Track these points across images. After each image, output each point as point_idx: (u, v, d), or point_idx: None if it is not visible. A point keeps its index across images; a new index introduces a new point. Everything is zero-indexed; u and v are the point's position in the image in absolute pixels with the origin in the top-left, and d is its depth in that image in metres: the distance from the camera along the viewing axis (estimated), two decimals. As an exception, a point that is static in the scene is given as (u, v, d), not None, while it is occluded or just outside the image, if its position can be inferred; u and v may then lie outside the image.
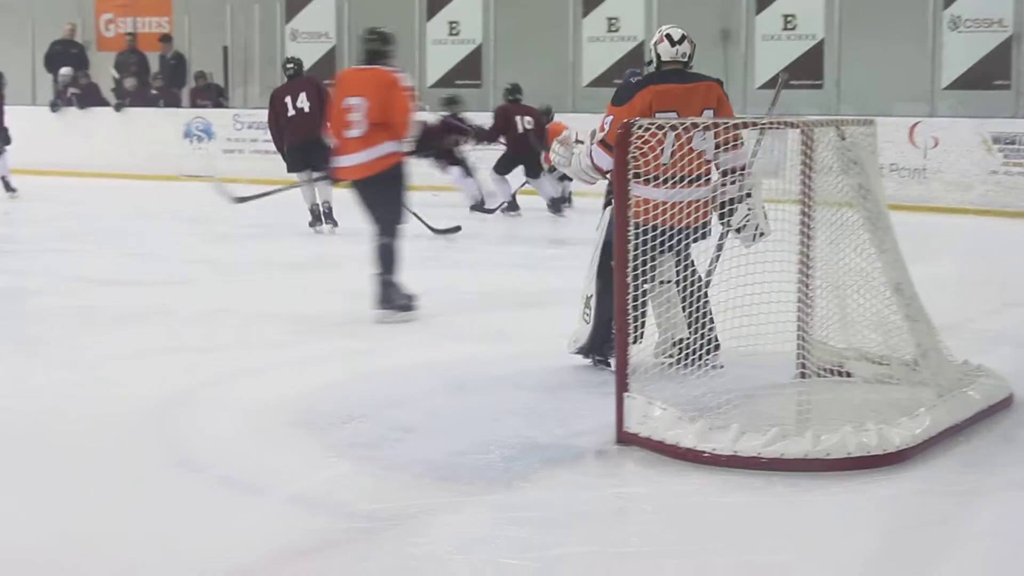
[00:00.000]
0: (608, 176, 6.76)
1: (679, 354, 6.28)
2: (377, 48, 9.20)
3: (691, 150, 6.52)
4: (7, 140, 12.26)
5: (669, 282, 6.64)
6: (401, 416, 6.31)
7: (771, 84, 16.62)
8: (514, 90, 16.22)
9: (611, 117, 6.67)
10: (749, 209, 6.66)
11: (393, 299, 8.51)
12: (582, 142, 7.17)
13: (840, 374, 6.67)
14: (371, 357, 7.64)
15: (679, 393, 5.99)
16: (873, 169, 6.67)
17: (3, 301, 9.59)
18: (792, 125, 7.03)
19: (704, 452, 5.49)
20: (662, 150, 6.32)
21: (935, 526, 4.93)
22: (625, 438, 5.77)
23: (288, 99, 13.90)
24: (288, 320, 8.60)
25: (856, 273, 6.61)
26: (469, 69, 18.83)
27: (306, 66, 19.31)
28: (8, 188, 12.10)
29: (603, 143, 6.69)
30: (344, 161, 8.73)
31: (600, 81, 16.84)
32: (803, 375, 6.68)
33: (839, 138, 6.62)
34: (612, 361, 6.12)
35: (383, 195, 8.58)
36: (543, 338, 7.67)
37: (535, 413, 6.27)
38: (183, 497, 5.25)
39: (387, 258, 8.51)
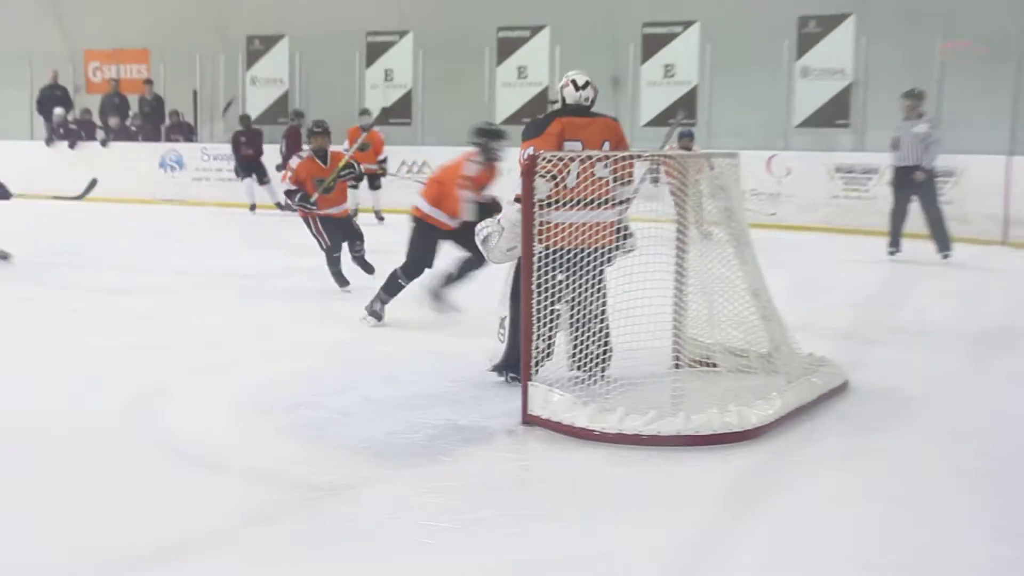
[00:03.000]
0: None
1: (580, 364, 6.19)
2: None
3: (594, 177, 6.26)
4: (6, 195, 11.50)
5: (575, 302, 6.29)
6: (341, 403, 6.29)
7: (657, 122, 16.76)
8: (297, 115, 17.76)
9: (531, 148, 6.27)
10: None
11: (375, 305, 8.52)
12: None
13: (707, 365, 6.70)
14: (316, 353, 7.59)
15: (574, 380, 6.04)
16: (736, 194, 6.74)
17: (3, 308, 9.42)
18: (670, 158, 7.10)
19: (595, 431, 5.54)
20: (566, 176, 6.14)
21: (783, 489, 5.01)
22: (529, 420, 5.80)
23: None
24: (246, 323, 8.52)
25: (721, 280, 6.66)
26: (402, 109, 18.76)
27: (263, 107, 19.29)
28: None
29: None
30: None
31: (512, 119, 16.81)
32: (677, 366, 6.79)
33: (709, 168, 6.68)
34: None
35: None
36: (462, 335, 7.68)
37: (454, 400, 6.27)
38: (158, 473, 5.22)
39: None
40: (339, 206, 10.14)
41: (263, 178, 17.75)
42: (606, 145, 6.49)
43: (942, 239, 12.25)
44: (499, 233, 6.33)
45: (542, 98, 17.22)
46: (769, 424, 5.64)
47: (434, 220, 8.29)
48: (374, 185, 16.14)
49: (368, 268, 10.12)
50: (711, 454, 5.34)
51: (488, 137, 8.18)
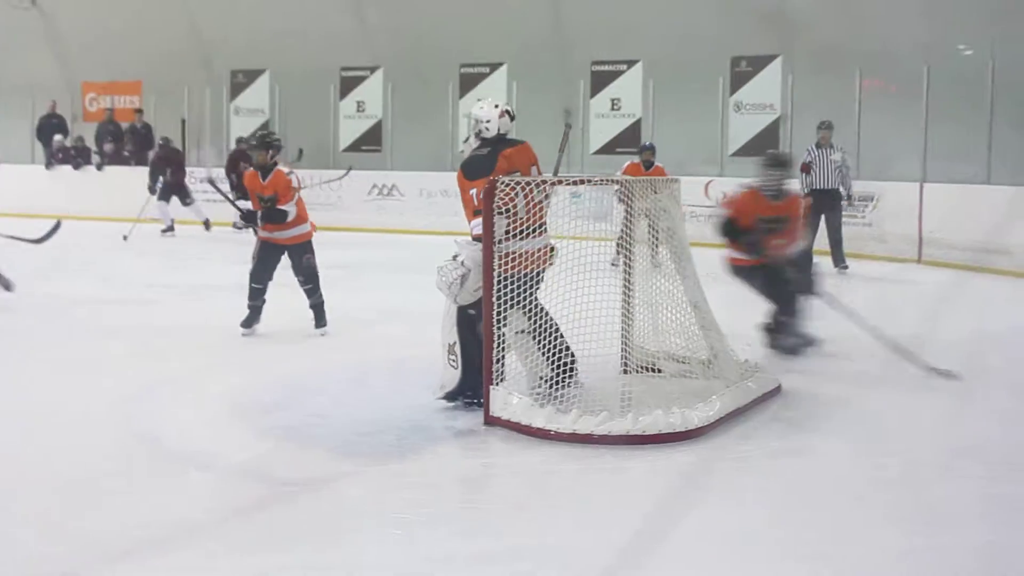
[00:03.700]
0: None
1: (546, 387, 6.00)
2: None
3: (538, 204, 6.02)
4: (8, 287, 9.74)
5: (523, 331, 6.07)
6: (316, 405, 6.28)
7: (605, 151, 16.82)
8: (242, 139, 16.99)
9: (475, 188, 6.00)
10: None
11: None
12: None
13: (653, 371, 6.73)
14: (293, 360, 7.55)
15: (531, 385, 6.03)
16: (678, 215, 6.77)
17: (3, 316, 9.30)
18: (617, 182, 7.12)
19: (551, 431, 5.53)
20: (516, 208, 5.87)
21: (721, 483, 5.05)
22: (491, 420, 5.79)
23: None
24: (227, 331, 8.42)
25: (665, 293, 6.68)
26: (372, 138, 18.74)
27: (245, 132, 19.21)
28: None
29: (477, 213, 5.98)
30: None
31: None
32: (625, 371, 6.79)
33: (653, 192, 6.70)
34: (480, 400, 5.87)
35: None
36: (426, 344, 7.63)
37: (420, 402, 6.21)
38: (149, 469, 5.21)
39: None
40: (288, 230, 8.22)
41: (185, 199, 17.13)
42: (533, 170, 6.30)
43: (840, 255, 12.72)
44: (465, 276, 5.93)
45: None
46: (709, 425, 5.65)
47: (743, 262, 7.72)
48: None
49: (321, 319, 8.34)
50: (657, 452, 5.34)
51: (785, 167, 7.82)
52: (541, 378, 6.08)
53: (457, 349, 5.99)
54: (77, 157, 19.43)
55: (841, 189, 12.65)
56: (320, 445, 5.48)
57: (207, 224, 16.92)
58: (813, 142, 12.87)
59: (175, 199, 16.83)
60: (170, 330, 8.61)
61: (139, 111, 20.55)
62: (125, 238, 15.41)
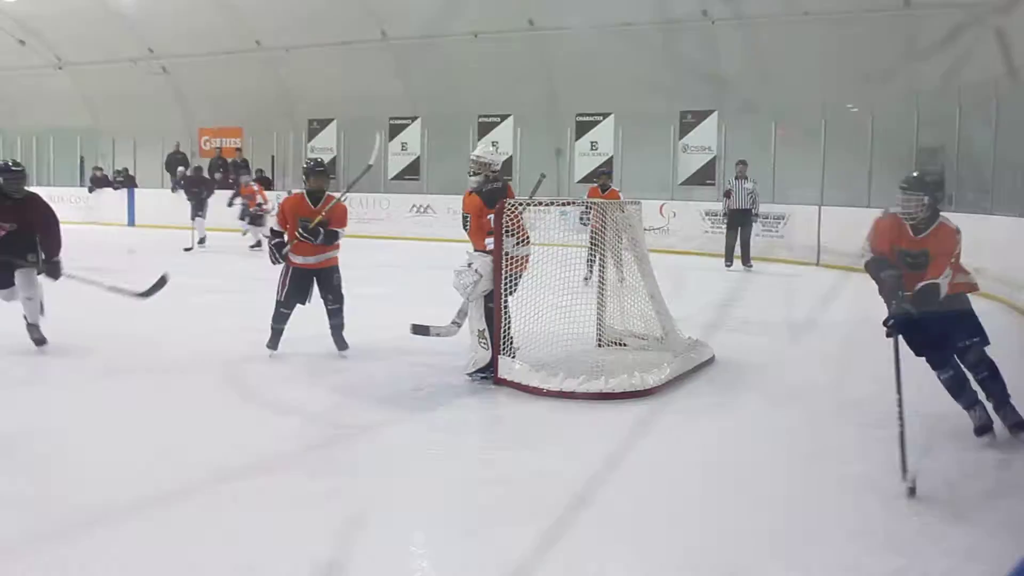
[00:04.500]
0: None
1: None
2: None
3: (522, 223, 5.95)
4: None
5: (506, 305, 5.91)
6: (369, 369, 6.25)
7: (586, 180, 16.76)
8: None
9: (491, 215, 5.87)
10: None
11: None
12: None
13: (619, 344, 6.76)
14: (352, 336, 7.44)
15: (530, 356, 6.02)
16: (639, 229, 6.78)
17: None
18: (595, 205, 7.13)
19: (543, 388, 5.54)
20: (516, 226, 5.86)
21: (667, 428, 5.03)
22: (499, 381, 5.78)
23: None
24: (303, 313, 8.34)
25: (629, 287, 6.71)
26: (412, 170, 18.72)
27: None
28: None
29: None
30: None
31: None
32: (599, 344, 6.80)
33: (620, 211, 6.72)
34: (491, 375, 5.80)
35: None
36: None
37: (448, 368, 6.19)
38: (242, 415, 5.20)
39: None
40: (317, 255, 6.49)
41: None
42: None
43: (747, 257, 13.02)
44: (478, 280, 5.85)
45: (508, 163, 17.16)
46: (661, 385, 5.66)
47: None
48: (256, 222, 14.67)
49: (342, 343, 6.64)
50: (621, 405, 5.36)
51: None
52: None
53: (487, 335, 5.87)
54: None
55: (752, 209, 13.08)
56: (372, 399, 5.48)
57: (202, 241, 15.10)
58: (733, 175, 13.41)
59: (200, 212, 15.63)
60: (258, 310, 8.55)
61: (239, 150, 20.57)
62: (190, 249, 14.45)
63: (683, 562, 3.30)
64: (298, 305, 6.58)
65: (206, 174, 19.87)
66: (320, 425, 5.03)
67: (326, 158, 19.38)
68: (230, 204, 15.27)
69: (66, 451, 4.49)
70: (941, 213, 4.64)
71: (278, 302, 6.54)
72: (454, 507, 3.86)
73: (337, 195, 6.60)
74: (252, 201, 14.78)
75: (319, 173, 6.55)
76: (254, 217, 14.70)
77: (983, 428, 4.61)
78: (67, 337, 6.85)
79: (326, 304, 6.57)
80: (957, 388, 4.65)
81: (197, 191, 15.77)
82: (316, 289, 6.60)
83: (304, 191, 6.58)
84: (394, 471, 4.27)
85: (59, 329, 6.79)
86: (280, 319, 6.54)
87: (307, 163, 6.68)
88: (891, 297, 4.50)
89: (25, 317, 6.62)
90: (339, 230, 6.51)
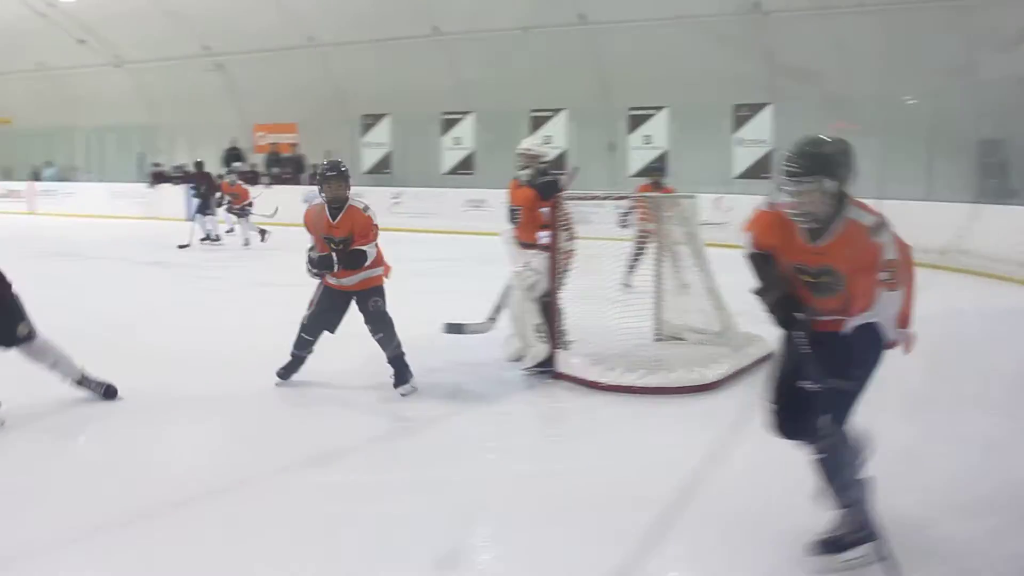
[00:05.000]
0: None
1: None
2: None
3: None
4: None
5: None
6: (431, 363, 6.18)
7: (640, 174, 16.68)
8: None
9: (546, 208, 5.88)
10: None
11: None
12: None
13: (678, 339, 6.74)
14: (412, 329, 7.41)
15: (586, 350, 6.00)
16: (695, 223, 6.74)
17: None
18: (653, 199, 7.11)
19: (601, 383, 5.55)
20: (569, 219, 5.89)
21: (729, 423, 4.95)
22: (557, 375, 5.80)
23: None
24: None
25: (686, 282, 6.69)
26: (466, 164, 18.81)
27: (372, 163, 19.33)
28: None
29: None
30: None
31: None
32: (658, 339, 6.78)
33: (677, 206, 6.70)
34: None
35: None
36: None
37: (508, 364, 6.20)
38: (309, 409, 5.29)
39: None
40: (359, 274, 5.37)
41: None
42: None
43: None
44: (538, 281, 5.91)
45: (560, 158, 17.15)
46: (721, 380, 5.64)
47: None
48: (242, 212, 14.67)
49: (402, 375, 5.47)
50: (681, 399, 5.36)
51: None
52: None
53: (544, 328, 5.90)
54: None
55: None
56: (435, 394, 5.50)
57: (202, 240, 14.54)
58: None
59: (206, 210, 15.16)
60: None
61: (294, 145, 20.84)
62: (186, 246, 13.99)
63: (760, 558, 3.31)
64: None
65: (262, 168, 20.12)
66: (384, 416, 5.10)
67: (380, 153, 19.76)
68: (218, 204, 14.95)
69: (135, 443, 4.64)
70: (855, 204, 3.11)
71: (302, 326, 5.50)
72: (520, 500, 3.89)
73: (360, 204, 5.34)
74: (237, 200, 14.68)
75: (332, 179, 5.23)
76: (240, 213, 14.73)
77: None
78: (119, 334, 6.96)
79: (371, 334, 5.47)
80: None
81: (197, 187, 15.38)
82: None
83: (323, 201, 5.34)
84: (451, 462, 4.33)
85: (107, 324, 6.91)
86: (302, 345, 5.51)
87: (320, 168, 5.36)
88: (787, 326, 3.27)
89: (70, 382, 5.19)
90: (365, 248, 5.25)
